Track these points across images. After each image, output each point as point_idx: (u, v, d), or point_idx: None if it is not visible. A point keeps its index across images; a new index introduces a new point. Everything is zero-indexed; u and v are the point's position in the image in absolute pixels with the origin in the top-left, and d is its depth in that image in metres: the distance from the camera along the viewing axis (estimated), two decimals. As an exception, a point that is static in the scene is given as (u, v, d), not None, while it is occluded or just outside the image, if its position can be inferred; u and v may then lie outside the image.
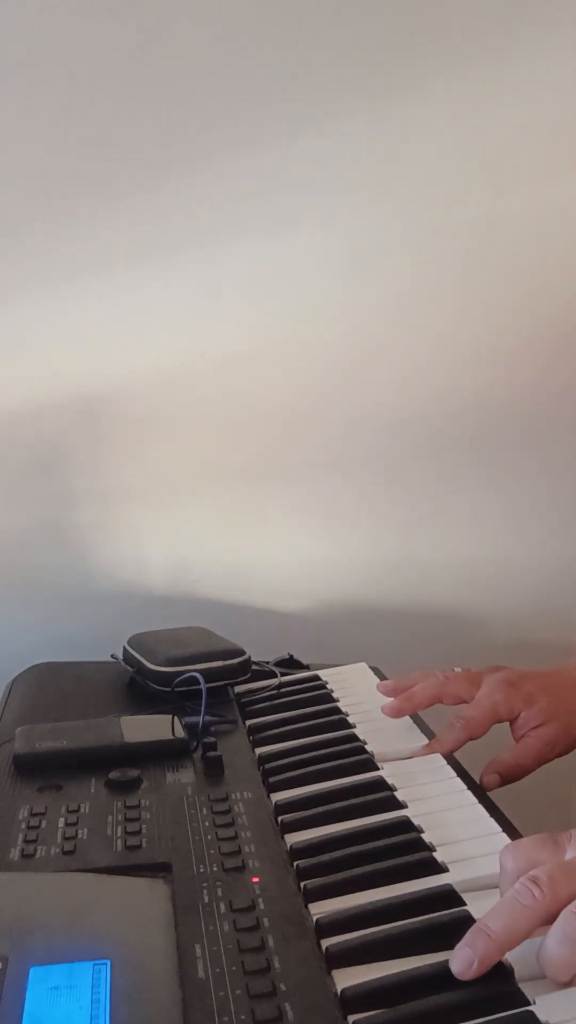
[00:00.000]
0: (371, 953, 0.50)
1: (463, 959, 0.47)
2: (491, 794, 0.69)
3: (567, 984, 0.46)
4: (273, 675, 0.94)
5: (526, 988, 0.46)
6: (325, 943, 0.51)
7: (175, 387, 1.10)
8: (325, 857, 0.60)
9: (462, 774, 0.72)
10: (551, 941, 0.46)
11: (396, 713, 0.81)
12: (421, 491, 1.15)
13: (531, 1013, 0.44)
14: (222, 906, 0.55)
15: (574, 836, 0.53)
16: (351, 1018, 0.46)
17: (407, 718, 0.82)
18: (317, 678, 0.95)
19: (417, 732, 0.81)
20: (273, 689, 0.91)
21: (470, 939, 0.47)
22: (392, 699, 0.82)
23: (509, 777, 0.77)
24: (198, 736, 0.77)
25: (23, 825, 0.65)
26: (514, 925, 0.47)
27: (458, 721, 0.78)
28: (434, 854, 0.59)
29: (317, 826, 0.64)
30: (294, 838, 0.63)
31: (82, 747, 0.76)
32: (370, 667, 0.98)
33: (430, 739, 0.78)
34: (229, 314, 1.09)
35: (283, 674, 0.95)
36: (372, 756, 0.75)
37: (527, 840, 0.54)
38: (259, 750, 0.78)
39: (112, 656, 0.98)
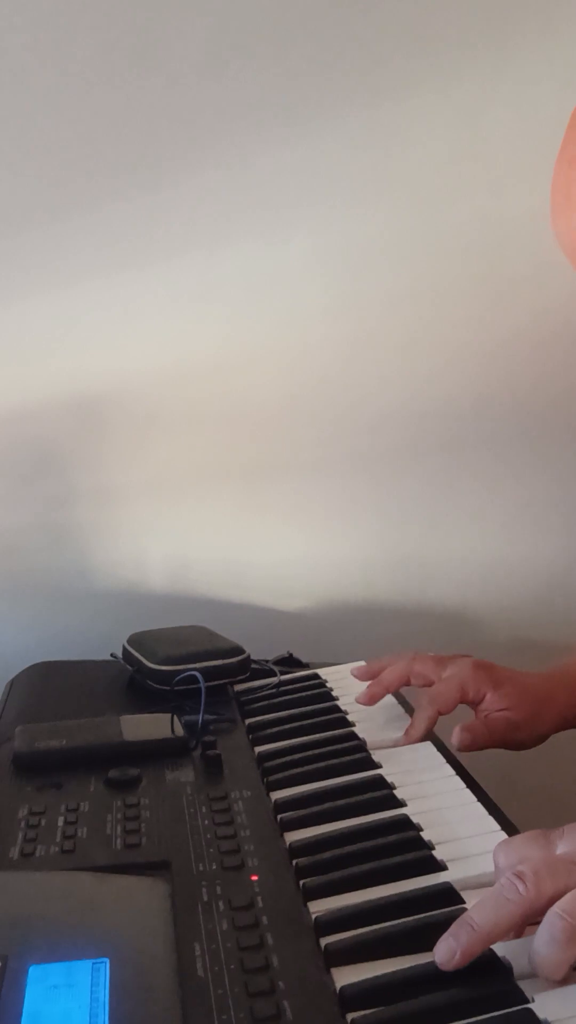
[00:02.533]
0: (370, 951, 0.50)
1: (446, 950, 0.47)
2: (490, 792, 0.69)
3: (562, 982, 0.46)
4: (272, 674, 0.94)
5: (524, 986, 0.46)
6: (324, 941, 0.51)
7: (174, 387, 1.10)
8: (324, 855, 0.60)
9: (461, 772, 0.72)
10: (538, 943, 0.46)
11: (369, 700, 0.84)
12: (421, 490, 1.15)
13: (529, 1011, 0.44)
14: (221, 904, 0.55)
15: (566, 832, 0.53)
16: (350, 1016, 0.46)
17: (400, 711, 0.84)
18: (316, 676, 0.95)
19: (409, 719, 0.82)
20: (272, 688, 0.91)
21: (454, 930, 0.48)
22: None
23: (479, 738, 0.78)
24: (197, 735, 0.77)
25: (23, 824, 0.65)
26: (497, 919, 0.48)
27: (424, 698, 0.80)
28: (433, 852, 0.60)
29: (316, 824, 0.64)
30: (293, 836, 0.63)
31: (82, 746, 0.76)
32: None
33: (432, 742, 0.78)
34: (228, 314, 1.09)
35: (282, 673, 0.95)
36: (368, 753, 0.75)
37: (519, 837, 0.55)
38: (258, 748, 0.78)
39: (112, 655, 0.99)
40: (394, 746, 0.78)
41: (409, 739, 0.78)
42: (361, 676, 0.88)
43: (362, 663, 0.97)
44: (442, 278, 1.09)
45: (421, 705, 0.80)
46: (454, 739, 0.78)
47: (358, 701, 0.84)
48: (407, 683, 0.84)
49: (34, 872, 0.59)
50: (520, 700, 0.80)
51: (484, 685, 0.80)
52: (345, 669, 0.96)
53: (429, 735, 0.79)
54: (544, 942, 0.46)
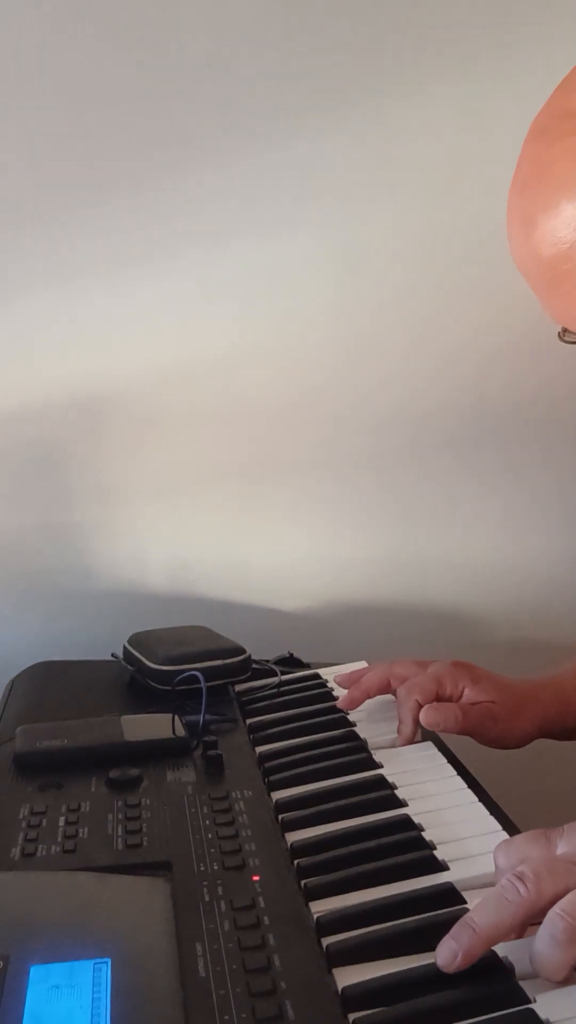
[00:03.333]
0: (371, 951, 0.50)
1: (447, 952, 0.47)
2: (491, 793, 0.69)
3: (563, 983, 0.46)
4: (273, 674, 0.94)
5: (526, 986, 0.46)
6: (325, 941, 0.51)
7: (175, 387, 1.10)
8: (325, 855, 0.60)
9: (462, 772, 0.72)
10: (539, 944, 0.46)
11: (349, 704, 0.84)
12: (421, 490, 1.15)
13: (531, 1011, 0.44)
14: (222, 904, 0.55)
15: (566, 832, 0.53)
16: (351, 1016, 0.46)
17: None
18: (317, 676, 0.95)
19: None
20: (273, 688, 0.91)
21: (455, 932, 0.48)
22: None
23: (448, 720, 0.77)
24: (198, 735, 0.77)
25: (24, 824, 0.65)
26: (499, 920, 0.48)
27: (403, 690, 0.80)
28: (434, 852, 0.60)
29: (317, 824, 0.64)
30: (294, 836, 0.63)
31: (83, 746, 0.76)
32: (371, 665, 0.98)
33: (427, 732, 0.78)
34: (228, 314, 1.09)
35: (283, 672, 0.95)
36: (369, 753, 0.75)
37: (520, 836, 0.55)
38: (259, 749, 0.78)
39: (112, 655, 0.98)
40: (392, 746, 0.78)
41: (404, 737, 0.78)
42: (341, 682, 0.88)
43: (357, 665, 0.97)
44: (444, 278, 1.09)
45: (401, 698, 0.80)
46: (421, 716, 0.77)
47: (338, 705, 0.84)
48: (388, 686, 0.84)
49: (35, 872, 0.59)
50: (500, 694, 0.80)
51: (462, 680, 0.80)
52: (346, 669, 0.96)
53: (429, 735, 0.79)
54: (545, 943, 0.46)
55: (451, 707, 0.78)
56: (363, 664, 0.97)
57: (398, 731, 0.79)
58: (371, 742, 0.78)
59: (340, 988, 0.48)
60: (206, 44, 1.02)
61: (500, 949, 0.48)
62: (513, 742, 0.81)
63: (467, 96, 1.04)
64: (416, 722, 0.78)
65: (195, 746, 0.77)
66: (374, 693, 0.85)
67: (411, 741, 0.78)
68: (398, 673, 0.84)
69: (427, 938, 0.49)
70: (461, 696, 0.80)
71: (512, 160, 1.05)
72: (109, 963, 0.48)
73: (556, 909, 0.47)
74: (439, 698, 0.80)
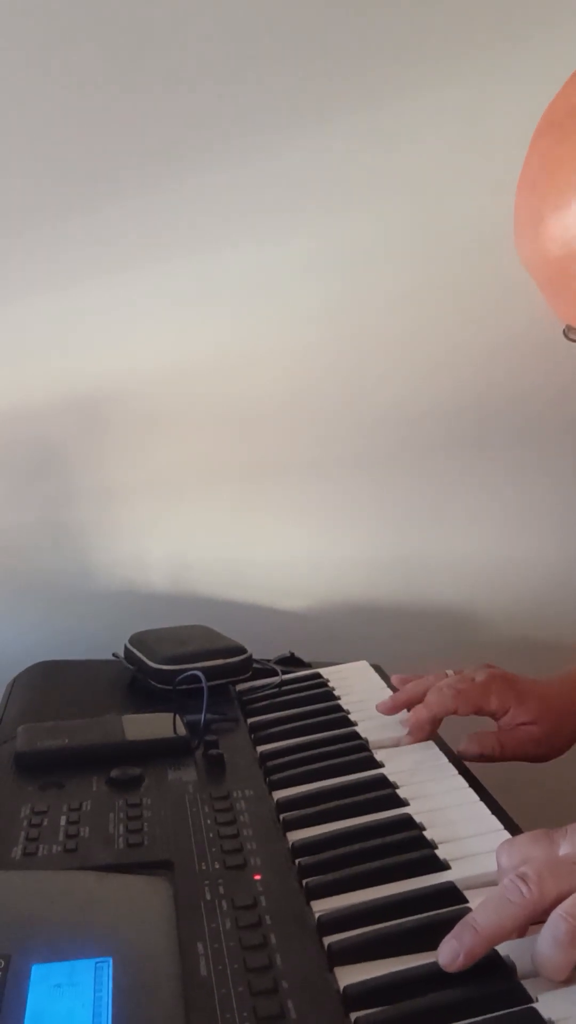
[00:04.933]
0: (373, 950, 0.50)
1: (449, 952, 0.47)
2: (493, 792, 0.69)
3: (565, 982, 0.46)
4: (274, 673, 0.94)
5: (528, 985, 0.46)
6: (327, 940, 0.51)
7: (175, 386, 1.10)
8: (327, 855, 0.60)
9: (464, 772, 0.72)
10: (541, 943, 0.46)
11: (417, 732, 0.78)
12: (421, 490, 1.15)
13: (534, 1010, 0.44)
14: (224, 904, 0.55)
15: (569, 832, 0.53)
16: (353, 1015, 0.46)
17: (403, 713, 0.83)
18: (318, 676, 0.95)
19: None
20: (274, 687, 0.91)
21: (457, 932, 0.48)
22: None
23: (487, 752, 0.77)
24: (199, 734, 0.77)
25: (25, 823, 0.65)
26: (501, 921, 0.48)
27: (449, 689, 0.78)
28: (436, 851, 0.59)
29: (319, 824, 0.64)
30: (296, 836, 0.63)
31: (84, 745, 0.76)
32: (371, 665, 0.98)
33: (435, 741, 0.78)
34: (229, 314, 1.09)
35: (284, 672, 0.95)
36: (370, 752, 0.75)
37: (522, 836, 0.55)
38: (260, 748, 0.78)
39: (113, 655, 0.98)
40: (393, 746, 0.78)
41: (417, 716, 0.76)
42: (386, 710, 0.82)
43: (357, 665, 0.96)
44: (442, 279, 1.09)
45: (443, 692, 0.77)
46: (461, 747, 0.77)
47: (407, 740, 0.78)
48: (453, 712, 0.80)
49: (37, 872, 0.59)
50: (542, 716, 0.79)
51: (509, 699, 0.79)
52: (347, 669, 0.97)
53: (433, 736, 0.79)
54: (548, 944, 0.46)
55: (491, 740, 0.78)
56: (364, 663, 0.97)
57: (411, 726, 0.77)
58: (372, 742, 0.78)
59: (342, 987, 0.48)
60: (204, 49, 1.02)
61: (502, 948, 0.48)
62: (552, 756, 0.81)
63: (463, 100, 1.04)
64: (438, 715, 0.76)
65: (196, 745, 0.77)
66: (441, 715, 0.78)
67: (420, 734, 0.77)
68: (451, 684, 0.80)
69: (428, 937, 0.49)
70: (505, 714, 0.80)
71: (509, 163, 1.05)
72: (110, 962, 0.48)
73: (559, 911, 0.47)
74: (481, 712, 0.79)
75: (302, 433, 1.13)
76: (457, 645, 1.15)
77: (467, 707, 0.78)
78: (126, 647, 0.97)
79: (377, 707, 0.82)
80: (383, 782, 0.70)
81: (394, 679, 0.88)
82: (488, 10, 1.03)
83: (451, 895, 0.54)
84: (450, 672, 0.83)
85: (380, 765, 0.73)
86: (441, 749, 0.76)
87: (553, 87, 1.04)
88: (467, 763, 0.75)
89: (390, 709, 0.81)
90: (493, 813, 0.64)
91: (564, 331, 0.74)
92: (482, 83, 1.04)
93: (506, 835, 0.61)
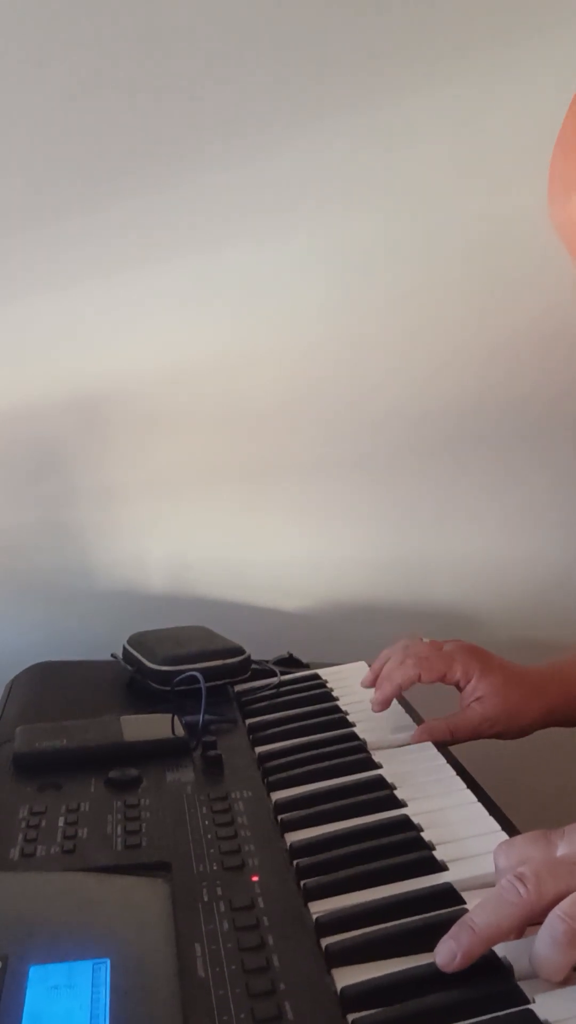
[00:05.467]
0: (371, 951, 0.50)
1: (447, 952, 0.47)
2: (490, 793, 0.69)
3: (562, 983, 0.46)
4: (273, 674, 0.94)
5: (525, 986, 0.46)
6: (325, 941, 0.51)
7: (175, 387, 1.10)
8: (325, 856, 0.60)
9: (461, 773, 0.72)
10: (540, 945, 0.46)
11: (383, 705, 0.82)
12: (420, 490, 1.15)
13: (530, 1011, 0.44)
14: (222, 905, 0.55)
15: (567, 833, 0.53)
16: (350, 1016, 0.46)
17: (401, 711, 0.84)
18: (317, 677, 0.95)
19: (410, 720, 0.82)
20: (273, 688, 0.91)
21: (455, 932, 0.48)
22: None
23: (436, 736, 0.78)
24: (198, 735, 0.77)
25: (23, 824, 0.65)
26: (498, 921, 0.48)
27: (410, 659, 0.81)
28: (433, 852, 0.60)
29: (317, 825, 0.64)
30: (294, 837, 0.63)
31: (82, 746, 0.76)
32: (369, 666, 0.97)
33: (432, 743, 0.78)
34: (229, 314, 1.09)
35: (283, 673, 0.95)
36: (369, 753, 0.75)
37: (520, 837, 0.54)
38: (259, 749, 0.78)
39: (112, 655, 0.98)
40: (391, 747, 0.78)
41: (379, 702, 0.80)
42: (367, 683, 0.86)
43: (357, 665, 0.97)
44: (442, 278, 1.09)
45: (405, 663, 0.80)
46: (413, 737, 0.78)
47: (373, 709, 0.82)
48: (417, 680, 0.82)
49: (35, 873, 0.59)
50: (503, 693, 0.80)
51: (472, 668, 0.80)
52: (346, 669, 0.97)
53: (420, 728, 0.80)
54: (545, 944, 0.46)
55: (440, 727, 0.79)
56: (362, 664, 0.97)
57: (376, 700, 0.81)
58: (371, 742, 0.78)
59: (339, 988, 0.48)
60: (203, 49, 1.02)
61: (499, 949, 0.48)
62: (515, 735, 0.81)
63: (466, 99, 1.04)
64: (402, 688, 0.80)
65: (195, 746, 0.77)
66: (406, 686, 0.82)
67: (385, 706, 0.80)
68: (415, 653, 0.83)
69: (426, 938, 0.49)
70: (468, 683, 0.80)
71: (509, 163, 1.06)
72: (108, 963, 0.48)
73: (557, 911, 0.47)
74: (445, 679, 0.81)
75: (302, 433, 1.13)
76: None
77: (431, 674, 0.80)
78: (125, 648, 0.97)
79: (361, 683, 0.86)
80: (381, 783, 0.70)
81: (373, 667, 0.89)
82: (488, 10, 1.03)
83: (449, 896, 0.55)
84: (424, 639, 0.86)
85: (378, 766, 0.73)
86: (439, 750, 0.76)
87: (553, 88, 1.04)
88: (464, 764, 0.75)
89: (370, 682, 0.84)
90: (491, 814, 0.64)
91: None
92: (482, 84, 1.04)
93: (504, 836, 0.61)
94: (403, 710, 0.85)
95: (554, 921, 0.46)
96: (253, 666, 0.95)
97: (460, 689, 0.82)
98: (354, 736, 0.79)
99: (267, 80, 1.03)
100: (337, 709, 0.86)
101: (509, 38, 1.03)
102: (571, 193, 0.68)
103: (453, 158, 1.06)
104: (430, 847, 0.60)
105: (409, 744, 0.78)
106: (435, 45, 1.03)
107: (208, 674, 0.84)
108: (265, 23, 1.02)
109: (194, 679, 0.83)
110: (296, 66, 1.03)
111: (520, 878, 0.49)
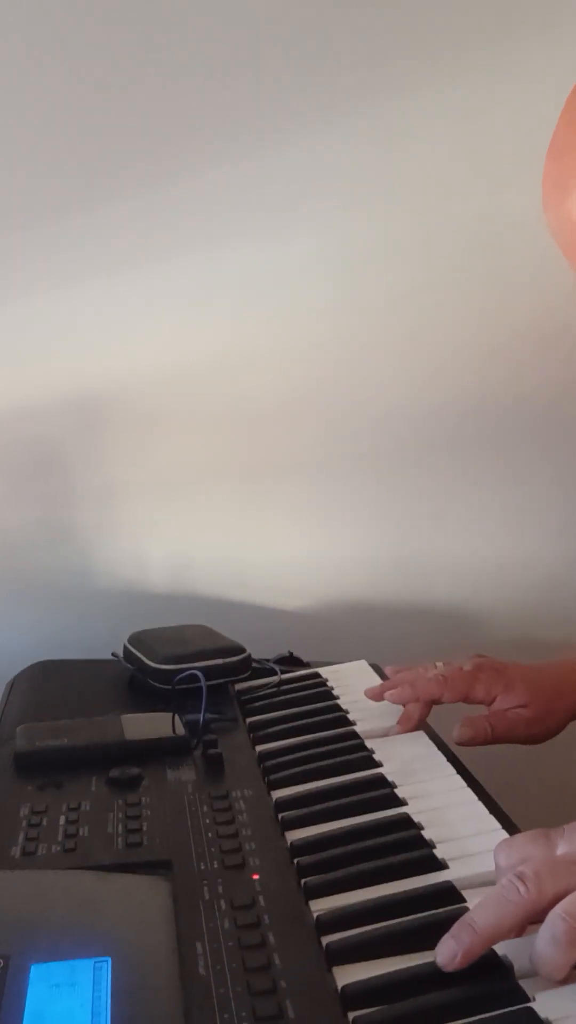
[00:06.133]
0: (371, 950, 0.50)
1: (447, 951, 0.47)
2: (491, 791, 0.69)
3: (562, 981, 0.46)
4: (273, 673, 0.94)
5: (526, 985, 0.46)
6: (325, 940, 0.51)
7: (175, 386, 1.10)
8: (325, 854, 0.60)
9: (462, 771, 0.72)
10: (541, 943, 0.46)
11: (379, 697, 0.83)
12: (421, 489, 1.15)
13: (531, 1010, 0.44)
14: (223, 903, 0.55)
15: (567, 832, 0.53)
16: (351, 1015, 0.46)
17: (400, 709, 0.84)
18: (317, 675, 0.95)
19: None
20: (273, 687, 0.91)
21: (455, 931, 0.48)
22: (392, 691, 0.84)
23: (480, 735, 0.79)
24: (198, 734, 0.77)
25: (24, 823, 0.65)
26: (499, 920, 0.48)
27: (436, 677, 0.81)
28: (434, 851, 0.60)
29: (317, 823, 0.64)
30: (294, 835, 0.63)
31: (83, 745, 0.76)
32: (370, 664, 0.98)
33: (428, 731, 0.78)
34: (228, 314, 1.09)
35: (283, 671, 0.95)
36: (369, 752, 0.75)
37: (520, 836, 0.55)
38: (259, 747, 0.78)
39: (112, 654, 0.98)
40: (383, 735, 0.79)
41: (405, 727, 0.80)
42: (375, 695, 0.85)
43: (358, 665, 0.97)
44: (442, 278, 1.09)
45: (431, 680, 0.80)
46: (455, 733, 0.78)
47: (369, 694, 0.83)
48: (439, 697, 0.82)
49: (36, 871, 0.59)
50: (533, 698, 0.81)
51: (496, 687, 0.81)
52: (346, 668, 0.97)
53: (424, 726, 0.80)
54: (546, 943, 0.46)
55: (482, 722, 0.79)
56: (363, 663, 0.98)
57: (401, 717, 0.80)
58: (363, 731, 0.79)
59: (340, 986, 0.48)
60: (204, 47, 1.02)
61: (499, 948, 0.48)
62: (545, 738, 0.82)
63: (467, 97, 1.04)
64: (427, 700, 0.79)
65: (195, 745, 0.77)
66: (424, 699, 0.81)
67: (379, 699, 0.81)
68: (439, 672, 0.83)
69: (427, 937, 0.49)
70: (493, 701, 0.81)
71: (511, 161, 1.06)
72: (109, 962, 0.48)
73: (558, 910, 0.47)
74: (467, 699, 0.81)
75: (302, 433, 1.13)
76: (457, 645, 1.14)
77: (453, 694, 0.81)
78: (125, 646, 0.97)
79: (365, 692, 0.85)
80: (381, 781, 0.70)
81: (387, 670, 0.91)
82: (488, 10, 1.03)
83: (449, 894, 0.55)
84: (439, 664, 0.85)
85: (379, 764, 0.73)
86: (439, 748, 0.76)
87: (553, 88, 1.04)
88: (465, 762, 0.75)
89: (377, 695, 0.84)
90: (491, 812, 0.64)
91: None
92: (483, 84, 1.04)
93: (504, 834, 0.61)
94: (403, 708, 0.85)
95: (555, 920, 0.46)
96: (254, 665, 0.95)
97: (486, 706, 0.82)
98: (354, 735, 0.79)
99: (268, 80, 1.03)
100: (337, 708, 0.86)
101: (510, 38, 1.03)
102: (564, 194, 0.68)
103: (454, 157, 1.06)
104: (430, 845, 0.60)
105: (455, 741, 0.78)
106: (436, 45, 1.03)
107: (209, 673, 0.84)
108: (267, 22, 1.02)
109: (195, 678, 0.83)
110: (297, 66, 1.03)
111: (521, 877, 0.49)
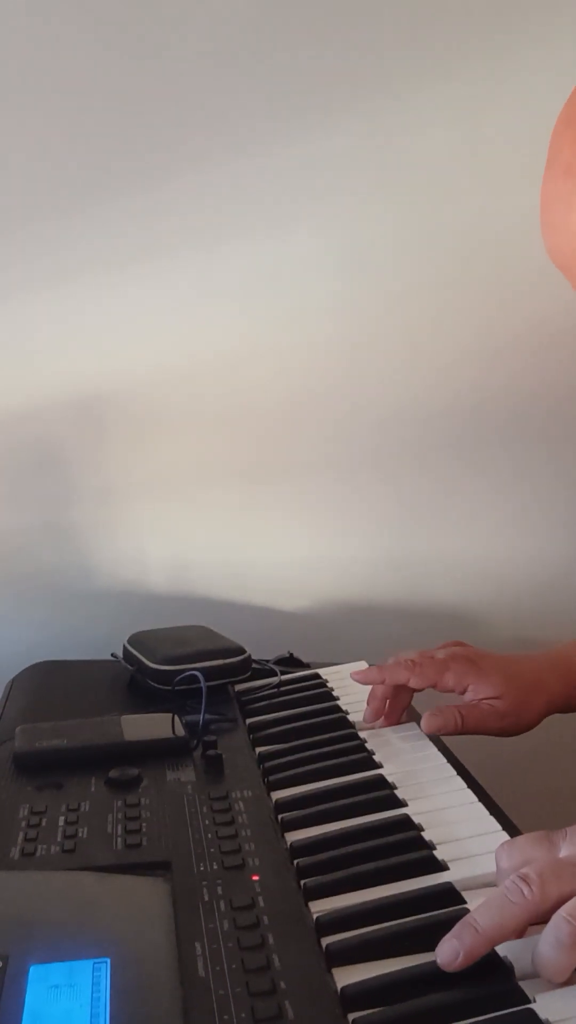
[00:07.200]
0: (371, 951, 0.50)
1: (449, 951, 0.47)
2: (492, 792, 0.69)
3: (563, 983, 0.46)
4: (273, 673, 0.94)
5: (526, 986, 0.46)
6: (325, 941, 0.51)
7: (175, 386, 1.10)
8: (325, 855, 0.60)
9: (462, 772, 0.72)
10: (543, 945, 0.46)
11: (374, 717, 0.83)
12: (421, 489, 1.15)
13: (531, 1011, 0.44)
14: (222, 904, 0.55)
15: (569, 834, 0.53)
16: (351, 1016, 0.46)
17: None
18: (317, 676, 0.95)
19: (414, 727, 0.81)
20: (273, 687, 0.91)
21: (457, 931, 0.48)
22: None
23: (449, 725, 0.78)
24: (198, 734, 0.77)
25: (23, 823, 0.65)
26: (502, 921, 0.48)
27: (405, 662, 0.81)
28: (434, 852, 0.60)
29: (317, 824, 0.64)
30: (294, 836, 0.63)
31: (82, 745, 0.76)
32: (370, 665, 0.97)
33: (433, 743, 0.78)
34: (228, 314, 1.09)
35: (283, 672, 0.95)
36: (369, 753, 0.75)
37: (522, 838, 0.54)
38: (259, 748, 0.78)
39: (112, 655, 0.98)
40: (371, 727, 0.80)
41: (370, 716, 0.81)
42: (363, 680, 0.85)
43: (358, 665, 0.97)
44: (445, 278, 1.09)
45: (400, 664, 0.81)
46: (422, 722, 0.78)
47: (364, 724, 0.83)
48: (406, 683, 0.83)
49: (35, 872, 0.59)
50: (507, 690, 0.80)
51: (468, 677, 0.80)
52: (346, 669, 0.96)
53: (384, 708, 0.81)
54: (550, 945, 0.46)
55: (451, 711, 0.78)
56: (363, 664, 0.97)
57: (369, 698, 0.82)
58: (355, 723, 0.80)
59: (340, 987, 0.48)
60: (205, 44, 1.02)
61: (500, 949, 0.48)
62: (519, 731, 0.81)
63: (468, 96, 1.04)
64: (382, 683, 0.81)
65: (195, 746, 0.77)
66: (390, 684, 0.82)
67: (376, 719, 0.82)
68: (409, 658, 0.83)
69: (426, 938, 0.49)
70: (465, 692, 0.80)
71: (513, 160, 1.06)
72: (108, 963, 0.48)
73: (562, 913, 0.47)
74: (437, 687, 0.80)
75: (302, 433, 1.13)
76: (457, 645, 1.15)
77: (421, 680, 0.80)
78: (125, 647, 0.97)
79: (351, 674, 0.86)
80: (382, 783, 0.70)
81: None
82: (488, 10, 1.03)
83: (449, 896, 0.54)
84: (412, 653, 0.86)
85: (379, 765, 0.73)
86: (439, 750, 0.76)
87: (554, 88, 1.04)
88: (465, 763, 0.75)
89: (363, 680, 0.84)
90: (491, 814, 0.64)
91: None
92: (486, 82, 1.04)
93: (505, 836, 0.61)
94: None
95: (559, 923, 0.46)
96: (253, 665, 0.95)
97: (458, 694, 0.82)
98: (354, 736, 0.79)
99: (269, 79, 1.03)
100: (337, 708, 0.86)
101: (510, 38, 1.03)
102: (568, 214, 0.67)
103: (455, 157, 1.06)
104: (431, 847, 0.60)
105: (423, 729, 0.78)
106: (437, 44, 1.03)
107: (208, 673, 0.84)
108: (267, 21, 1.02)
109: (194, 678, 0.83)
110: (298, 64, 1.03)
111: (524, 879, 0.49)
